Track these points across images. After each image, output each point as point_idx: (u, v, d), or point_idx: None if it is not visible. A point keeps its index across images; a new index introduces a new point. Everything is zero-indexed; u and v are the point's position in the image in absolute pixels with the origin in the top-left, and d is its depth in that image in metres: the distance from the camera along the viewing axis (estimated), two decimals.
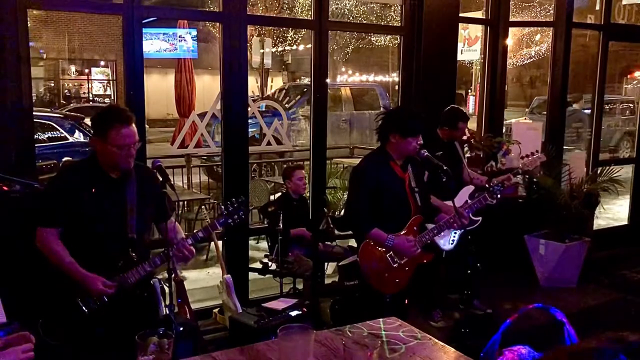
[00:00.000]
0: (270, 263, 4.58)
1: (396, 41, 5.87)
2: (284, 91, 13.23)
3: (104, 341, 2.75)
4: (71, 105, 20.34)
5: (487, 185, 4.05)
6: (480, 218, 4.49)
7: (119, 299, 2.76)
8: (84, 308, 2.72)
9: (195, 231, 3.00)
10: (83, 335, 2.72)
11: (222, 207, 3.05)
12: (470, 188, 4.41)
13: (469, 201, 4.11)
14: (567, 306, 4.99)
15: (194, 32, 9.38)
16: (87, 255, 2.75)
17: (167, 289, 3.07)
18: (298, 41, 18.08)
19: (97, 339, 2.74)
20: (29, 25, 3.91)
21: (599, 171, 6.08)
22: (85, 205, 2.74)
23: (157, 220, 3.05)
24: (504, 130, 6.57)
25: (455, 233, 4.38)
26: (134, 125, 2.78)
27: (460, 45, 6.71)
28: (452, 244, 4.30)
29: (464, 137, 5.01)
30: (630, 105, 15.72)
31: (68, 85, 24.66)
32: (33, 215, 2.87)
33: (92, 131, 2.84)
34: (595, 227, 6.56)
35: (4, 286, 2.87)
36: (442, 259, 4.46)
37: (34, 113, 4.12)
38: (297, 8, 15.51)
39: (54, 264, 2.76)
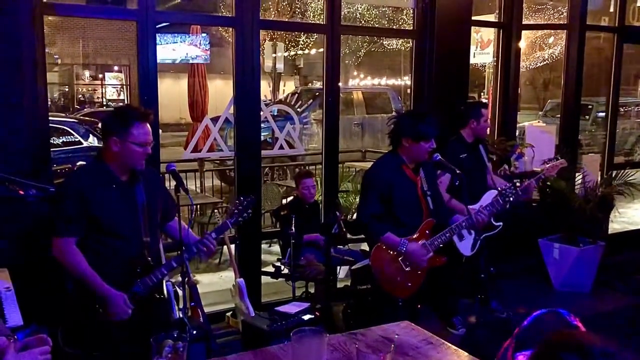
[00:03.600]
0: (282, 267, 4.59)
1: (408, 45, 5.87)
2: (296, 95, 13.25)
3: (120, 346, 2.75)
4: (85, 110, 20.51)
5: (499, 189, 4.02)
6: (501, 223, 4.48)
7: (136, 304, 2.78)
8: (105, 319, 2.72)
9: (207, 232, 3.02)
10: (101, 342, 2.73)
11: (232, 207, 3.07)
12: (494, 192, 4.36)
13: (471, 207, 4.10)
14: (581, 311, 4.90)
15: (207, 38, 9.44)
16: (104, 261, 2.74)
17: (180, 293, 3.09)
18: (310, 45, 18.11)
19: (114, 345, 2.74)
20: (44, 31, 3.96)
21: (613, 175, 6.03)
22: (99, 210, 2.73)
23: (162, 220, 3.05)
24: (517, 133, 6.53)
25: (476, 238, 4.37)
26: (150, 123, 2.81)
27: (472, 49, 6.69)
28: (473, 250, 4.27)
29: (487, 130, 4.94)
30: None
31: (82, 90, 24.90)
32: (49, 225, 2.83)
33: (108, 131, 2.77)
34: (610, 231, 6.50)
35: (23, 290, 2.90)
36: (462, 263, 4.44)
37: (49, 118, 4.17)
38: (309, 12, 15.54)
39: (73, 276, 2.73)
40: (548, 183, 5.50)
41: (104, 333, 2.72)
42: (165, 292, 3.02)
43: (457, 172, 3.53)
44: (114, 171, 2.79)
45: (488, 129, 4.85)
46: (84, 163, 7.56)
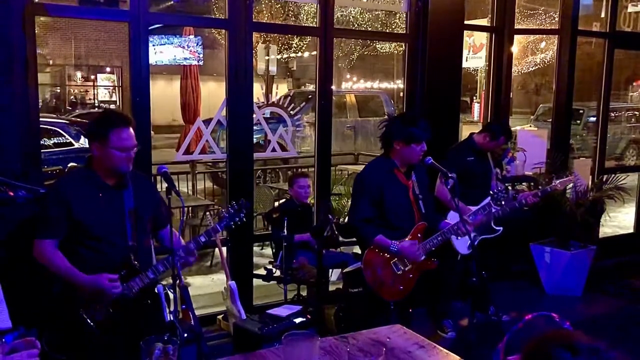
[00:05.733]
0: (274, 269, 4.58)
1: (401, 48, 5.89)
2: (289, 98, 13.22)
3: (108, 351, 2.75)
4: (77, 111, 20.41)
5: (491, 193, 4.03)
6: (501, 228, 4.49)
7: (123, 308, 2.76)
8: (88, 320, 2.71)
9: (197, 235, 3.02)
10: (88, 347, 2.72)
11: (223, 210, 3.06)
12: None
13: (473, 208, 4.11)
14: (572, 314, 4.98)
15: (199, 39, 9.42)
16: (88, 265, 2.75)
17: (171, 295, 3.08)
18: (303, 48, 18.12)
19: (102, 350, 2.74)
20: (36, 31, 3.93)
21: (604, 179, 6.06)
22: (83, 214, 2.75)
23: (154, 227, 3.05)
24: None
25: (475, 238, 4.38)
26: (132, 128, 2.81)
27: (465, 53, 6.72)
28: (470, 249, 4.28)
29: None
30: (636, 112, 15.70)
31: (74, 91, 24.77)
32: (31, 227, 2.87)
33: (90, 137, 2.83)
34: (601, 235, 6.53)
35: (10, 292, 2.88)
36: (457, 262, 4.45)
37: (40, 119, 4.14)
38: (302, 15, 15.56)
39: (55, 274, 2.76)
40: (540, 187, 5.52)
41: (90, 338, 2.71)
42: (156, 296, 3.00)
43: (449, 175, 3.53)
44: (100, 176, 2.83)
45: (496, 149, 4.85)
46: (75, 165, 7.53)
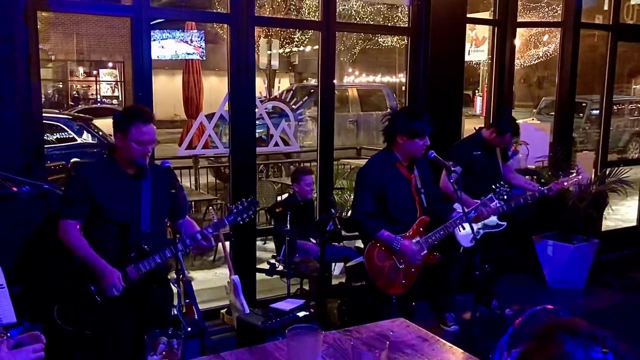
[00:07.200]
0: (277, 264, 4.59)
1: (403, 42, 5.87)
2: (291, 92, 13.22)
3: (112, 327, 2.91)
4: (79, 106, 20.43)
5: (493, 187, 4.02)
6: (505, 223, 4.49)
7: (130, 288, 2.89)
8: (97, 297, 2.86)
9: (203, 228, 3.06)
10: (97, 321, 2.87)
11: (232, 205, 3.15)
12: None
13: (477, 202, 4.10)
14: (574, 308, 4.98)
15: (202, 34, 9.42)
16: (101, 245, 2.91)
17: (175, 290, 3.12)
18: (305, 42, 18.10)
19: (107, 326, 2.89)
20: (38, 26, 3.93)
21: (607, 172, 6.05)
22: (102, 198, 2.92)
23: (172, 218, 3.16)
24: None
25: (478, 231, 4.38)
26: (153, 125, 2.97)
27: (467, 46, 6.70)
28: (472, 242, 4.29)
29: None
30: (639, 105, 15.66)
31: (76, 86, 24.81)
32: (57, 209, 3.08)
33: (114, 127, 3.00)
34: (603, 228, 6.53)
35: (16, 285, 2.91)
36: (459, 254, 4.46)
37: (43, 114, 4.14)
38: (304, 9, 15.53)
39: (75, 255, 2.91)
40: (542, 180, 5.52)
41: (98, 313, 2.87)
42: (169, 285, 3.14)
43: (452, 169, 3.52)
44: (121, 164, 2.99)
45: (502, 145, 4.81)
46: (78, 160, 7.54)
